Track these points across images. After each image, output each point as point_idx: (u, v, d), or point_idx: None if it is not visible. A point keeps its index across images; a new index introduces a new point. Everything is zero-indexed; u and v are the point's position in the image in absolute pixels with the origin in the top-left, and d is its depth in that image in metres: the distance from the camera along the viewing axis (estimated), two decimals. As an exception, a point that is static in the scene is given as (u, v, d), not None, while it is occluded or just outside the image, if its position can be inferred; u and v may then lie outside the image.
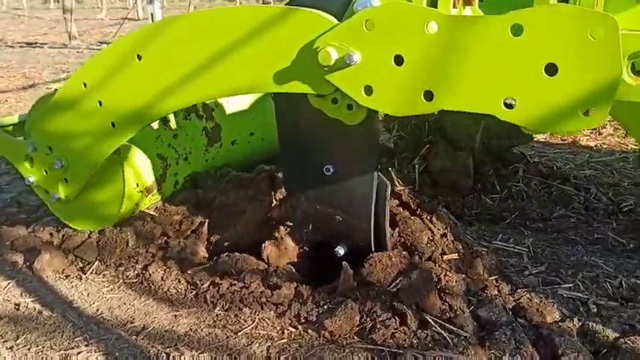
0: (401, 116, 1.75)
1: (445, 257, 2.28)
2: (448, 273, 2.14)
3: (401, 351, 1.81)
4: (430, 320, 1.93)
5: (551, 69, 1.45)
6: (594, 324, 1.92)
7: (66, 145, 2.46)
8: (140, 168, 2.61)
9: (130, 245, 2.55)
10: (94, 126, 2.31)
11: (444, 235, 2.39)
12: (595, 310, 2.06)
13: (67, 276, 2.47)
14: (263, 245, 2.33)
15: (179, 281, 2.33)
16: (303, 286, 2.19)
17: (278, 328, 2.02)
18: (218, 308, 2.15)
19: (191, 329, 2.05)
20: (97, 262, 2.51)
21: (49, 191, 2.66)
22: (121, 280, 2.40)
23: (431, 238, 2.34)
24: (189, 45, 1.98)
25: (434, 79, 1.59)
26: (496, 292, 2.13)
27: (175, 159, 2.77)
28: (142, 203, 2.67)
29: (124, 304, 2.25)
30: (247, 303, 2.15)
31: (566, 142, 4.33)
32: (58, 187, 2.60)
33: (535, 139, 4.39)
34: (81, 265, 2.53)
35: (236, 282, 2.26)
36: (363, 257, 2.17)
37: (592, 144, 4.29)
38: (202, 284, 2.28)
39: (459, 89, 1.57)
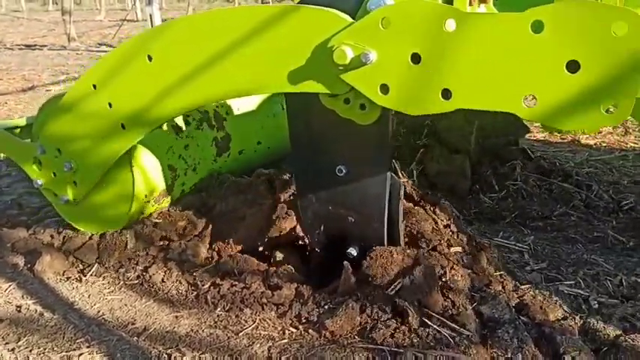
0: (417, 115, 1.72)
1: (452, 250, 2.27)
2: (455, 266, 2.13)
3: (401, 350, 1.81)
4: (431, 319, 1.92)
5: (573, 66, 1.43)
6: (595, 322, 1.92)
7: (75, 147, 2.44)
8: (150, 175, 2.58)
9: (130, 247, 2.55)
10: (103, 128, 2.30)
11: (447, 227, 2.40)
12: (596, 306, 2.06)
13: (68, 278, 2.47)
14: None
15: (180, 282, 2.33)
16: (304, 286, 2.19)
17: (279, 328, 2.02)
18: (219, 309, 2.15)
19: (192, 330, 2.05)
20: (97, 264, 2.51)
21: (57, 194, 2.64)
22: (121, 282, 2.41)
23: (435, 228, 2.34)
24: (202, 45, 1.96)
25: (452, 77, 1.58)
26: (500, 288, 2.12)
27: (184, 169, 2.74)
28: (146, 210, 2.66)
29: (125, 305, 2.25)
30: (248, 303, 2.15)
31: (565, 140, 4.33)
32: (66, 190, 2.59)
33: (534, 138, 4.40)
34: (82, 266, 2.53)
35: (237, 283, 2.26)
36: None
37: (591, 142, 4.29)
38: (203, 285, 2.28)
39: (477, 87, 1.56)
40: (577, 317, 1.97)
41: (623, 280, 2.27)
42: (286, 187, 2.61)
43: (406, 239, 2.24)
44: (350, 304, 2.00)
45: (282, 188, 2.62)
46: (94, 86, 2.25)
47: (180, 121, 2.76)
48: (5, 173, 3.98)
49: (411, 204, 2.43)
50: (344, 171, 2.08)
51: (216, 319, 2.10)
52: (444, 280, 2.09)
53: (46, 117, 2.54)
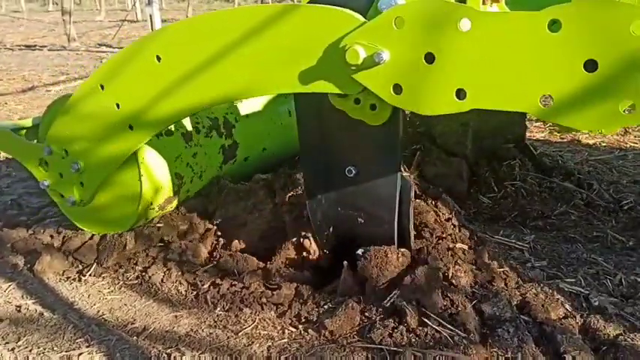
0: (430, 115, 1.71)
1: (457, 245, 2.27)
2: (459, 261, 2.13)
3: (400, 350, 1.81)
4: (430, 318, 1.92)
5: (591, 65, 1.41)
6: (596, 321, 1.91)
7: (82, 148, 2.43)
8: (158, 183, 2.56)
9: (130, 247, 2.55)
10: (111, 129, 2.28)
11: (448, 220, 2.40)
12: (597, 304, 2.06)
13: (67, 278, 2.48)
14: None
15: (180, 282, 2.33)
16: (304, 286, 2.19)
17: (278, 328, 2.03)
18: (219, 309, 2.16)
19: (192, 330, 2.05)
20: (100, 264, 2.51)
21: (64, 195, 2.63)
22: (121, 282, 2.41)
23: (438, 220, 2.34)
24: (212, 45, 1.94)
25: (466, 77, 1.56)
26: (503, 285, 2.12)
27: (191, 177, 2.73)
28: (150, 215, 2.65)
29: (125, 305, 2.26)
30: (248, 303, 2.16)
31: (565, 140, 4.33)
32: (73, 191, 2.57)
33: (534, 137, 4.40)
34: (81, 267, 2.54)
35: (236, 282, 2.26)
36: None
37: (591, 142, 4.29)
38: (203, 285, 2.29)
39: (493, 87, 1.54)
40: (578, 316, 1.96)
41: (623, 280, 2.27)
42: (286, 192, 2.61)
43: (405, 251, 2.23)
44: (350, 304, 2.00)
45: (281, 193, 2.61)
46: (102, 87, 2.24)
47: (190, 128, 2.75)
48: (5, 173, 3.99)
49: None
50: (354, 172, 2.07)
51: (215, 319, 2.10)
52: (446, 276, 2.08)
53: (53, 118, 2.52)
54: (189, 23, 2.03)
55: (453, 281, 2.06)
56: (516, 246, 2.58)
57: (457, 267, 2.10)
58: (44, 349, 1.98)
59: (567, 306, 2.02)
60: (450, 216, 2.41)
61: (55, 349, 1.98)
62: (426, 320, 1.92)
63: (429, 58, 1.59)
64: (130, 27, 16.20)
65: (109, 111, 2.24)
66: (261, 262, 2.41)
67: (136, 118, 2.20)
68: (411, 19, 1.59)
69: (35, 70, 9.15)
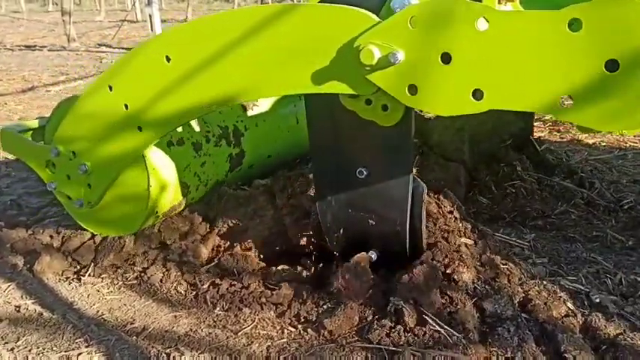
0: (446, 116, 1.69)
1: (462, 240, 2.26)
2: (463, 255, 2.13)
3: (399, 350, 1.81)
4: (429, 317, 1.92)
5: (612, 65, 1.38)
6: (597, 320, 1.91)
7: (90, 149, 2.40)
8: (165, 191, 2.54)
9: (129, 248, 2.55)
10: (119, 130, 2.26)
11: (450, 212, 2.40)
12: (597, 301, 2.06)
13: (67, 278, 2.48)
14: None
15: (179, 282, 2.33)
16: (303, 286, 2.19)
17: (278, 327, 2.03)
18: (218, 308, 2.16)
19: (191, 329, 2.05)
20: (96, 264, 2.51)
21: (71, 197, 2.60)
22: (120, 282, 2.41)
23: (440, 212, 2.34)
24: (223, 45, 1.91)
25: (484, 77, 1.53)
26: (506, 282, 2.11)
27: (196, 186, 2.72)
28: (155, 220, 2.63)
29: (124, 305, 2.26)
30: (247, 303, 2.16)
31: (564, 139, 4.32)
32: (81, 193, 2.54)
33: (534, 137, 4.39)
34: (81, 267, 2.53)
35: (236, 282, 2.26)
36: (397, 263, 2.11)
37: (591, 141, 4.29)
38: (202, 285, 2.29)
39: (511, 88, 1.51)
40: (579, 314, 1.96)
41: (623, 279, 2.27)
42: (285, 194, 2.60)
43: None
44: (349, 304, 2.00)
45: (281, 195, 2.61)
46: (110, 88, 2.21)
47: (201, 138, 2.73)
48: (5, 174, 3.99)
49: None
50: (365, 173, 2.04)
51: (215, 319, 2.10)
52: (449, 272, 2.07)
53: (60, 119, 2.49)
54: (199, 23, 1.99)
55: (455, 277, 2.06)
56: (516, 244, 2.58)
57: (460, 262, 2.09)
58: (43, 349, 1.98)
59: (569, 304, 2.02)
60: (452, 209, 2.41)
61: (55, 349, 1.98)
62: (424, 319, 1.91)
63: (446, 58, 1.56)
64: (130, 27, 16.21)
65: (117, 112, 2.22)
66: (261, 262, 2.42)
67: (145, 119, 2.17)
68: (426, 19, 1.56)
69: (35, 71, 9.16)
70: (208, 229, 2.61)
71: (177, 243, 2.53)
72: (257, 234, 2.53)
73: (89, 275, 2.46)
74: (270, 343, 1.94)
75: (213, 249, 2.54)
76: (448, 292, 2.01)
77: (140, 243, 2.57)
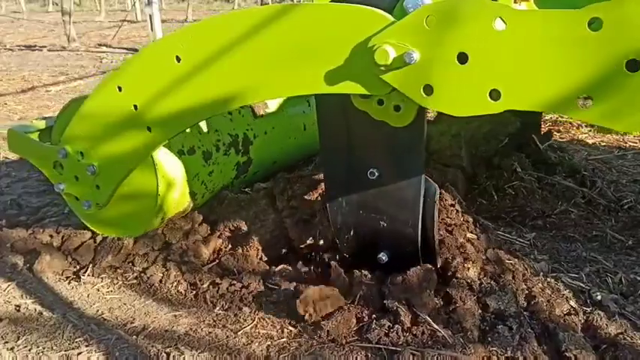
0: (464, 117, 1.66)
1: (468, 235, 2.26)
2: (468, 249, 2.12)
3: (398, 349, 1.81)
4: (427, 316, 1.92)
5: (634, 65, 1.36)
6: (599, 318, 1.91)
7: (98, 150, 2.38)
8: (173, 199, 2.54)
9: (130, 248, 2.55)
10: (128, 131, 2.24)
11: (452, 206, 2.39)
12: (599, 298, 2.06)
13: (67, 277, 2.48)
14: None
15: (179, 282, 2.33)
16: (303, 285, 2.19)
17: (278, 327, 2.02)
18: (218, 308, 2.16)
19: (191, 329, 2.05)
20: (96, 264, 2.51)
21: (79, 198, 2.59)
22: (120, 281, 2.41)
23: (442, 206, 2.34)
24: (234, 45, 1.88)
25: (501, 77, 1.51)
26: (510, 277, 2.11)
27: (203, 193, 2.71)
28: (160, 223, 2.63)
29: (124, 304, 2.26)
30: (247, 302, 2.16)
31: (564, 139, 4.33)
32: (89, 194, 2.53)
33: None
34: (81, 266, 2.53)
35: (236, 282, 2.26)
36: (408, 265, 2.08)
37: (590, 141, 4.29)
38: (202, 284, 2.29)
39: (529, 88, 1.49)
40: (581, 313, 1.96)
41: (623, 278, 2.27)
42: (285, 196, 2.60)
43: None
44: (346, 306, 1.99)
45: (281, 197, 2.60)
46: (119, 88, 2.19)
47: (211, 146, 2.73)
48: (5, 173, 3.99)
49: None
50: (376, 174, 2.02)
51: (215, 318, 2.10)
52: (454, 270, 2.07)
53: (68, 120, 2.47)
54: (210, 23, 1.97)
55: (459, 275, 2.06)
56: (517, 242, 2.58)
57: (466, 257, 2.08)
58: (43, 348, 1.98)
59: (572, 302, 2.01)
60: (454, 202, 2.41)
61: (55, 348, 1.98)
62: (419, 319, 1.91)
63: (462, 58, 1.55)
64: (130, 27, 16.21)
65: (126, 112, 2.19)
66: (261, 262, 2.42)
67: (155, 120, 2.15)
68: (443, 18, 1.55)
69: (35, 71, 9.15)
70: (209, 232, 2.61)
71: (178, 243, 2.53)
72: (259, 237, 2.52)
73: (89, 275, 2.46)
74: (270, 343, 1.94)
75: (214, 251, 2.54)
76: (448, 290, 2.01)
77: (141, 243, 2.57)
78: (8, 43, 13.64)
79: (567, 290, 2.09)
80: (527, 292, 2.05)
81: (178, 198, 2.54)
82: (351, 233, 2.20)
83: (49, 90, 7.53)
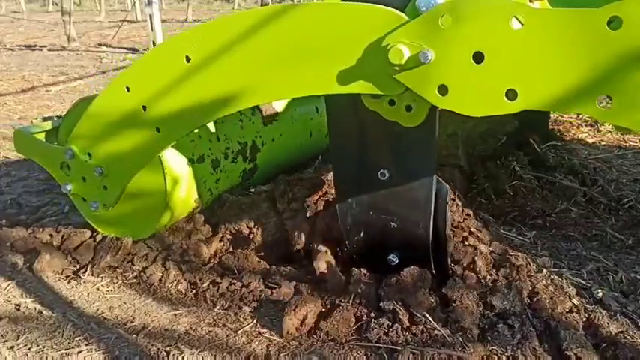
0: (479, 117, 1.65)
1: (472, 229, 2.26)
2: (472, 245, 2.13)
3: (398, 348, 1.81)
4: (426, 316, 1.92)
5: None
6: (600, 317, 1.91)
7: (106, 151, 2.36)
8: (179, 205, 2.54)
9: (130, 247, 2.55)
10: (137, 131, 2.22)
11: (453, 200, 2.40)
12: (600, 295, 2.06)
13: (67, 276, 2.47)
14: None
15: (179, 281, 2.33)
16: (303, 284, 2.19)
17: (277, 326, 2.02)
18: (218, 307, 2.16)
19: (191, 328, 2.05)
20: (96, 263, 2.51)
21: (86, 199, 2.58)
22: (120, 280, 2.41)
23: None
24: (244, 45, 1.86)
25: (518, 76, 1.49)
26: (515, 273, 2.11)
27: (207, 200, 2.71)
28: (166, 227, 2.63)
29: (124, 303, 2.25)
30: (247, 301, 2.16)
31: (564, 139, 4.32)
32: (96, 195, 2.51)
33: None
34: (80, 265, 2.53)
35: (236, 281, 2.26)
36: (420, 266, 2.06)
37: (590, 141, 4.29)
38: (202, 283, 2.29)
39: (547, 88, 1.47)
40: (582, 311, 1.95)
41: (623, 277, 2.27)
42: (285, 199, 2.60)
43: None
44: (344, 306, 2.00)
45: (281, 200, 2.60)
46: (128, 88, 2.17)
47: (220, 154, 2.72)
48: (4, 173, 3.99)
49: None
50: (387, 175, 2.00)
51: (215, 317, 2.10)
52: (457, 260, 2.08)
53: (75, 120, 2.45)
54: (220, 22, 1.95)
55: (466, 272, 2.06)
56: (517, 239, 2.58)
57: (471, 252, 2.08)
58: (43, 347, 1.98)
59: (575, 300, 2.01)
60: (454, 197, 2.41)
61: (55, 347, 1.98)
62: (417, 319, 1.91)
63: (478, 57, 1.53)
64: (130, 27, 16.21)
65: (134, 113, 2.18)
66: (261, 261, 2.41)
67: (164, 121, 2.13)
68: (458, 17, 1.52)
69: (35, 71, 9.15)
70: (211, 233, 2.61)
71: (178, 242, 2.53)
72: (260, 240, 2.52)
73: (89, 274, 2.46)
74: (269, 342, 1.94)
75: (215, 253, 2.53)
76: (449, 288, 2.01)
77: (141, 242, 2.57)
78: (8, 43, 13.64)
79: (570, 287, 2.08)
80: (530, 288, 2.05)
81: (185, 197, 2.54)
82: (361, 234, 2.18)
83: (49, 90, 7.53)
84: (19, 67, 9.64)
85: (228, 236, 2.58)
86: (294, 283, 2.21)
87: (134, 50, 11.62)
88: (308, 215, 2.44)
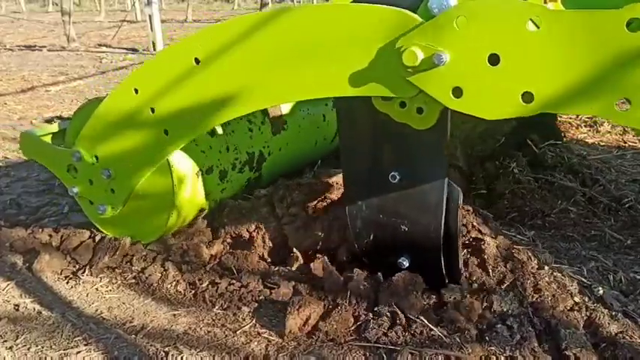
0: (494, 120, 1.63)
1: (474, 224, 2.27)
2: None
3: (397, 348, 1.81)
4: (421, 317, 1.92)
5: None
6: (601, 316, 1.90)
7: (114, 153, 2.34)
8: (185, 211, 2.54)
9: (128, 247, 2.55)
10: (145, 134, 2.20)
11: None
12: (601, 293, 2.06)
13: (66, 277, 2.47)
14: None
15: (178, 281, 2.33)
16: (302, 284, 2.19)
17: (276, 326, 2.02)
18: (217, 307, 2.16)
19: (190, 328, 2.05)
20: (95, 263, 2.51)
21: (93, 202, 2.56)
22: (119, 281, 2.41)
23: None
24: (254, 46, 1.85)
25: (535, 79, 1.47)
26: (519, 268, 2.11)
27: (211, 207, 2.71)
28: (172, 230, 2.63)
29: (123, 303, 2.25)
30: (246, 302, 2.16)
31: (564, 139, 4.32)
32: (103, 198, 2.50)
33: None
34: (80, 265, 2.53)
35: (235, 281, 2.26)
36: (430, 270, 2.05)
37: (590, 141, 4.29)
38: (201, 284, 2.29)
39: (564, 90, 1.45)
40: (584, 309, 1.95)
41: (623, 277, 2.27)
42: (285, 203, 2.60)
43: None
44: (343, 306, 2.00)
45: (281, 205, 2.60)
46: (136, 91, 2.16)
47: (229, 165, 2.71)
48: (4, 173, 3.99)
49: None
50: (397, 177, 1.98)
51: (214, 318, 2.10)
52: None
53: (82, 123, 2.44)
54: (230, 24, 1.93)
55: (468, 267, 2.06)
56: (517, 238, 2.58)
57: (475, 248, 2.08)
58: (42, 347, 1.98)
59: (576, 298, 2.01)
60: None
61: (54, 347, 1.98)
62: (413, 320, 1.91)
63: (493, 60, 1.51)
64: (130, 27, 16.21)
65: (143, 115, 2.16)
66: (261, 261, 2.42)
67: (172, 123, 2.12)
68: (474, 19, 1.51)
69: (35, 71, 9.15)
70: (212, 237, 2.61)
71: (178, 243, 2.53)
72: (261, 244, 2.52)
73: (88, 274, 2.46)
74: (268, 342, 1.94)
75: (215, 256, 2.53)
76: (448, 287, 2.02)
77: (141, 243, 2.57)
78: (8, 43, 13.64)
79: (573, 285, 2.07)
80: (533, 285, 2.04)
81: (191, 199, 2.53)
82: (371, 237, 2.17)
83: (48, 90, 7.53)
84: (19, 67, 9.64)
85: (229, 240, 2.58)
86: (293, 283, 2.21)
87: (134, 50, 11.62)
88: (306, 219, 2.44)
